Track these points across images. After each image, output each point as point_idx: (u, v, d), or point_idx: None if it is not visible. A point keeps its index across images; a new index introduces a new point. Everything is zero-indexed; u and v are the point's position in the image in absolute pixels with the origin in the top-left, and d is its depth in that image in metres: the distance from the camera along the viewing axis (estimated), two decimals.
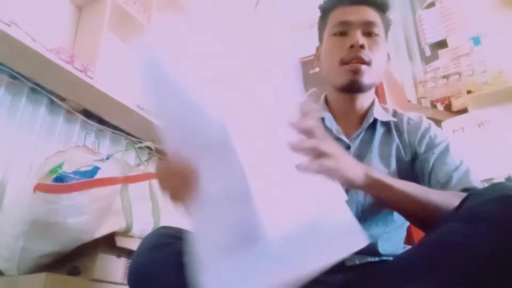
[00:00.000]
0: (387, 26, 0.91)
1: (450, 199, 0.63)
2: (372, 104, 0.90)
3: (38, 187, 1.10)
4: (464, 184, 0.75)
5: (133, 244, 1.23)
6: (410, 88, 2.47)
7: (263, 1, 3.00)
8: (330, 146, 0.55)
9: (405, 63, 2.58)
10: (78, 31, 1.83)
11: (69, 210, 1.10)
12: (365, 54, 0.81)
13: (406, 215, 0.70)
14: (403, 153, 0.84)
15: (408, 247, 0.85)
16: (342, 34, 0.85)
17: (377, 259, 0.76)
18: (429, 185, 0.78)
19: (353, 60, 0.81)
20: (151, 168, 1.96)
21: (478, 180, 0.77)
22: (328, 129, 0.86)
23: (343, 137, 0.85)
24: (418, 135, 0.85)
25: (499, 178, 1.82)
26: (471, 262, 0.46)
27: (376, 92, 1.67)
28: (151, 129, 1.95)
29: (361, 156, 0.84)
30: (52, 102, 1.65)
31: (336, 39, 0.86)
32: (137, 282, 0.65)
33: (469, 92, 2.10)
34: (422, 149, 0.83)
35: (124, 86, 1.97)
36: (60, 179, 1.14)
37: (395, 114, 0.92)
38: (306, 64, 2.03)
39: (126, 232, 1.23)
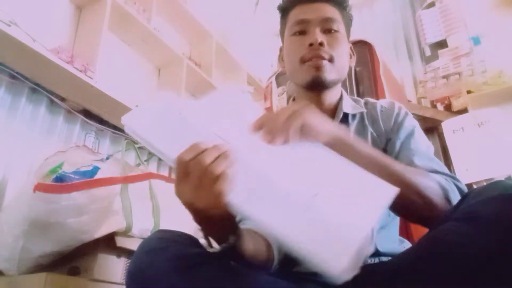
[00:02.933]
0: (348, 22, 0.90)
1: (415, 175, 0.65)
2: (341, 98, 0.90)
3: (38, 187, 1.10)
4: (426, 168, 0.75)
5: (133, 244, 1.23)
6: (410, 88, 2.47)
7: (263, 1, 3.00)
8: (296, 105, 0.59)
9: (405, 63, 2.58)
10: (78, 31, 1.83)
11: (69, 210, 1.10)
12: (325, 51, 0.82)
13: None
14: (378, 141, 0.85)
15: (405, 240, 0.85)
16: (302, 33, 0.85)
17: (376, 260, 0.76)
18: None
19: (314, 58, 0.81)
20: (151, 168, 1.96)
21: (442, 166, 0.77)
22: None
23: None
24: (392, 121, 0.86)
25: (499, 178, 1.82)
26: (471, 262, 0.46)
27: (376, 92, 1.67)
28: None
29: None
30: (52, 102, 1.65)
31: (295, 38, 0.86)
32: (135, 286, 0.65)
33: (469, 92, 2.10)
34: (395, 134, 0.84)
35: (124, 86, 1.98)
36: (60, 179, 1.14)
37: (366, 104, 0.92)
38: None
39: (126, 232, 1.23)
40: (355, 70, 1.60)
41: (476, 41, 2.19)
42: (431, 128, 2.27)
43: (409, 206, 0.64)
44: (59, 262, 1.16)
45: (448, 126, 2.07)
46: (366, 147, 0.65)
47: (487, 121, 1.95)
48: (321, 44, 0.81)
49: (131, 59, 2.14)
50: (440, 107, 2.28)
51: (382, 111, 0.88)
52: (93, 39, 1.73)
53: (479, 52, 2.16)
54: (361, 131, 0.87)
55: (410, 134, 0.83)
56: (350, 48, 0.94)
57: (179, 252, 0.59)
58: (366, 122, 0.87)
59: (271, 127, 0.58)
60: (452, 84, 2.17)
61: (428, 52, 2.47)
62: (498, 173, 1.83)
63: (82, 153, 1.33)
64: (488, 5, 2.24)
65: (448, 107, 2.22)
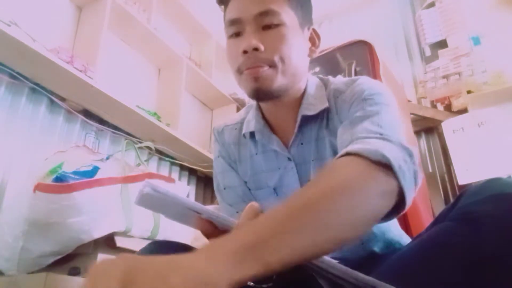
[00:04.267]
0: (298, 8, 0.73)
1: (337, 179, 0.46)
2: (303, 98, 0.75)
3: (38, 187, 1.10)
4: (366, 133, 0.58)
5: (133, 244, 1.23)
6: (410, 88, 2.47)
7: None
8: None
9: (405, 63, 2.58)
10: (78, 31, 1.83)
11: (69, 210, 1.10)
12: (263, 57, 0.67)
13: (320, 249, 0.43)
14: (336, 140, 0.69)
15: (403, 236, 0.81)
16: (238, 35, 0.71)
17: (372, 259, 0.75)
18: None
19: (249, 68, 0.68)
20: (151, 168, 1.97)
21: (396, 130, 0.61)
22: (267, 145, 0.77)
23: (282, 151, 0.76)
24: (345, 109, 0.70)
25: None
26: (470, 262, 0.46)
27: None
28: (151, 129, 1.96)
29: (305, 163, 0.74)
30: (52, 102, 1.65)
31: (231, 42, 0.72)
32: None
33: (469, 92, 2.10)
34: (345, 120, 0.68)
35: (124, 86, 1.98)
36: (60, 179, 1.14)
37: (329, 93, 0.76)
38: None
39: (126, 232, 1.23)
40: (355, 70, 1.60)
41: (476, 41, 2.19)
42: (431, 128, 2.28)
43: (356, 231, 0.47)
44: (59, 262, 1.16)
45: (448, 126, 2.07)
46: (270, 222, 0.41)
47: (487, 121, 1.95)
48: (256, 49, 0.67)
49: (131, 59, 2.14)
50: (440, 107, 2.28)
51: (337, 97, 0.74)
52: (93, 39, 1.73)
53: (479, 52, 2.16)
54: (320, 136, 0.74)
55: (367, 115, 0.64)
56: (313, 31, 0.78)
57: None
58: (324, 123, 0.73)
59: None
60: (452, 84, 2.17)
61: (428, 52, 2.47)
62: (498, 173, 1.83)
63: (82, 153, 1.33)
64: (488, 5, 2.24)
65: (448, 107, 2.22)
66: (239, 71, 0.71)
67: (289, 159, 0.76)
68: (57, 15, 1.75)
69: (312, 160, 0.73)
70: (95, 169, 1.23)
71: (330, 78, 0.81)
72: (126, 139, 1.81)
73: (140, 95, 2.11)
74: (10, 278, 1.12)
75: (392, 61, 2.58)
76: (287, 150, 0.76)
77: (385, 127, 0.60)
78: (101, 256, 1.18)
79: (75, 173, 1.18)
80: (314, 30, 0.79)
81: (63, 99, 1.69)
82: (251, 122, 0.79)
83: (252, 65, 0.68)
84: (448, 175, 2.15)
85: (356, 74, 1.59)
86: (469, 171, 1.93)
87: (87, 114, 1.80)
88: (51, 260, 1.15)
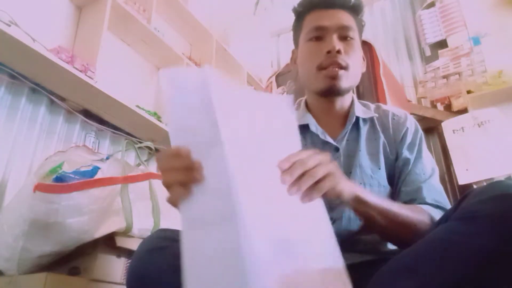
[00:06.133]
0: (361, 28, 0.91)
1: (418, 215, 0.70)
2: (352, 103, 0.91)
3: (38, 187, 1.10)
4: (430, 199, 0.79)
5: (133, 244, 1.23)
6: (410, 88, 2.47)
7: (263, 1, 3.00)
8: (327, 166, 0.57)
9: (405, 63, 2.58)
10: (78, 31, 1.83)
11: (69, 210, 1.10)
12: (342, 59, 0.82)
13: (380, 230, 0.72)
14: (388, 150, 0.86)
15: None
16: (318, 39, 0.85)
17: (376, 257, 0.76)
18: (398, 189, 0.83)
19: (330, 66, 0.82)
20: (151, 168, 1.97)
21: (445, 197, 0.81)
22: (314, 134, 0.87)
23: (330, 140, 0.86)
24: (402, 132, 0.86)
25: (499, 178, 1.83)
26: (472, 261, 0.46)
27: (376, 92, 1.67)
28: (151, 129, 1.96)
29: (350, 156, 0.84)
30: (52, 102, 1.65)
31: (312, 44, 0.86)
32: (136, 286, 0.65)
33: (469, 92, 2.10)
34: (404, 149, 0.85)
35: (124, 86, 1.98)
36: (60, 179, 1.14)
37: (378, 108, 0.93)
38: None
39: (126, 232, 1.23)
40: None
41: (476, 41, 2.19)
42: (431, 128, 2.28)
43: (399, 238, 0.71)
44: (59, 262, 1.16)
45: (448, 126, 2.07)
46: (377, 200, 0.67)
47: (487, 121, 1.96)
48: (338, 52, 0.81)
49: (131, 59, 2.14)
50: (440, 107, 2.28)
51: (393, 119, 0.89)
52: (93, 39, 1.73)
53: (479, 52, 2.16)
54: (372, 136, 0.87)
55: (419, 155, 0.84)
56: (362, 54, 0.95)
57: (180, 251, 0.59)
58: (378, 127, 0.88)
59: (299, 179, 0.55)
60: (452, 84, 2.18)
61: (428, 52, 2.47)
62: (498, 173, 1.83)
63: (82, 153, 1.33)
64: (488, 5, 2.24)
65: (448, 107, 2.22)
66: (319, 68, 0.83)
67: (337, 150, 0.85)
68: (57, 15, 1.75)
69: (359, 152, 0.85)
70: (95, 169, 1.23)
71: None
72: (126, 139, 1.81)
73: (140, 95, 2.11)
74: (10, 278, 1.12)
75: (392, 61, 2.59)
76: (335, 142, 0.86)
77: (438, 196, 0.81)
78: (101, 256, 1.18)
79: (75, 173, 1.18)
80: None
81: (63, 99, 1.69)
82: (304, 117, 0.90)
83: (333, 63, 0.82)
84: (448, 175, 2.15)
85: None
86: (469, 171, 1.93)
87: (87, 114, 1.80)
88: (51, 260, 1.15)
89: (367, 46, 1.93)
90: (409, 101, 2.36)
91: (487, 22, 2.21)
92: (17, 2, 1.52)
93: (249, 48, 2.87)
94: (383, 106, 0.93)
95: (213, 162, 0.50)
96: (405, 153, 0.84)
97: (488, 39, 2.17)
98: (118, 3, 1.83)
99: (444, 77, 2.22)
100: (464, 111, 2.08)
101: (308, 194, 0.55)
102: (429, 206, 0.77)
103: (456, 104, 2.14)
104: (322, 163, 0.57)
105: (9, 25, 1.36)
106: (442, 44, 2.37)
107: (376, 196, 0.68)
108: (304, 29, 0.89)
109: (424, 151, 0.86)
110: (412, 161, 0.83)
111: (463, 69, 2.16)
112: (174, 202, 0.52)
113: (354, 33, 0.86)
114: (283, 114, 0.63)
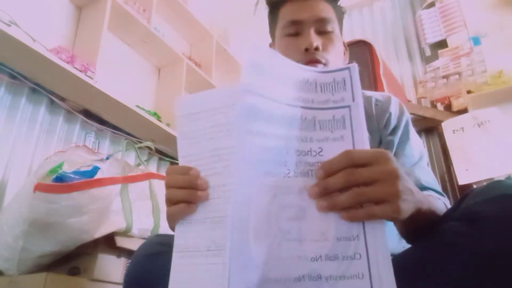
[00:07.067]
0: (340, 16, 0.86)
1: (441, 207, 0.62)
2: None
3: (38, 187, 1.10)
4: (426, 183, 0.75)
5: (133, 244, 1.23)
6: (410, 88, 2.47)
7: (263, 1, 3.00)
8: (391, 182, 0.43)
9: (405, 63, 2.58)
10: (78, 31, 1.83)
11: (69, 210, 1.10)
12: (321, 56, 0.78)
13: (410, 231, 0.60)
14: (371, 139, 0.80)
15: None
16: (295, 34, 0.81)
17: None
18: None
19: (309, 64, 0.77)
20: (151, 168, 1.96)
21: (434, 180, 0.77)
22: None
23: None
24: (385, 118, 0.81)
25: (499, 178, 1.83)
26: (475, 262, 0.46)
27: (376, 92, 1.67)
28: (151, 129, 1.96)
29: None
30: (52, 102, 1.65)
31: (289, 40, 0.82)
32: None
33: (469, 92, 2.10)
34: (387, 134, 0.80)
35: (124, 86, 1.98)
36: (60, 179, 1.14)
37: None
38: None
39: (126, 232, 1.23)
40: None
41: (476, 41, 2.19)
42: (431, 128, 2.28)
43: (418, 233, 0.59)
44: (59, 262, 1.16)
45: (448, 126, 2.07)
46: (427, 206, 0.53)
47: (487, 121, 1.96)
48: (316, 48, 0.78)
49: (131, 59, 2.14)
50: (440, 107, 2.28)
51: (377, 105, 0.84)
52: (93, 39, 1.73)
53: (479, 52, 2.16)
54: None
55: (405, 138, 0.80)
56: (343, 43, 0.89)
57: None
58: None
59: (339, 195, 0.43)
60: (452, 84, 2.18)
61: (428, 52, 2.47)
62: (498, 173, 1.83)
63: (82, 153, 1.33)
64: (488, 5, 2.24)
65: (448, 107, 2.22)
66: None
67: None
68: (57, 15, 1.75)
69: None
70: (95, 169, 1.23)
71: None
72: (126, 139, 1.81)
73: (140, 95, 2.11)
74: (10, 278, 1.12)
75: (392, 61, 2.59)
76: None
77: (432, 180, 0.77)
78: (101, 256, 1.18)
79: (75, 173, 1.18)
80: (343, 41, 0.89)
81: (63, 99, 1.69)
82: None
83: (311, 60, 0.78)
84: (448, 175, 2.15)
85: None
86: (469, 171, 1.93)
87: (87, 114, 1.80)
88: (51, 260, 1.15)
89: (367, 46, 1.94)
90: (409, 101, 2.36)
91: (487, 22, 2.21)
92: (17, 2, 1.52)
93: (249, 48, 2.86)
94: (367, 93, 0.86)
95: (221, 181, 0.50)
96: (389, 137, 0.80)
97: (488, 39, 2.17)
98: (118, 3, 1.83)
99: (444, 77, 2.22)
100: (464, 111, 2.08)
101: (351, 214, 0.43)
102: (433, 192, 0.74)
103: (456, 104, 2.14)
104: (383, 178, 0.43)
105: (9, 25, 1.36)
106: (442, 44, 2.37)
107: (424, 198, 0.53)
108: (280, 23, 0.84)
109: (412, 133, 0.82)
110: (396, 143, 0.79)
111: (463, 69, 2.16)
112: (173, 217, 0.54)
113: (333, 25, 0.81)
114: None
